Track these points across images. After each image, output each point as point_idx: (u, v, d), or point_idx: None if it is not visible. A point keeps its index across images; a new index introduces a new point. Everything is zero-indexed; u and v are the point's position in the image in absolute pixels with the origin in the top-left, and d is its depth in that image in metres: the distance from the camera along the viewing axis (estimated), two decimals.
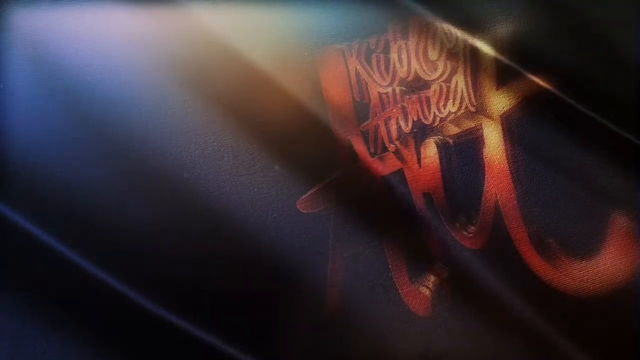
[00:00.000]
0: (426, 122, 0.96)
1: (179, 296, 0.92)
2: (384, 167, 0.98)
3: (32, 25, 0.91)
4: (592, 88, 0.91)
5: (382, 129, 0.97)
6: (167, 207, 0.92)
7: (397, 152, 0.98)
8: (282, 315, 0.94)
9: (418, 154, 0.98)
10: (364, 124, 0.97)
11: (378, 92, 0.95)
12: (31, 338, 0.90)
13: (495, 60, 0.94)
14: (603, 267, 0.92)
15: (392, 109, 0.96)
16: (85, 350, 0.91)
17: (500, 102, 0.95)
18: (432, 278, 0.96)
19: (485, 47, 0.94)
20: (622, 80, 0.91)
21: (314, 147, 0.94)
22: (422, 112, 0.96)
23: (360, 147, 0.96)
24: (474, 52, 0.94)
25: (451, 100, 0.95)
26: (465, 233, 0.97)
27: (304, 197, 0.94)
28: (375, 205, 0.97)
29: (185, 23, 0.92)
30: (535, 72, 0.93)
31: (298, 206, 0.94)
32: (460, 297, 0.96)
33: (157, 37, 0.91)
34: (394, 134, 0.97)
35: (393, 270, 0.95)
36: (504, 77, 0.94)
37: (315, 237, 0.94)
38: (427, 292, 0.96)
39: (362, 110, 0.96)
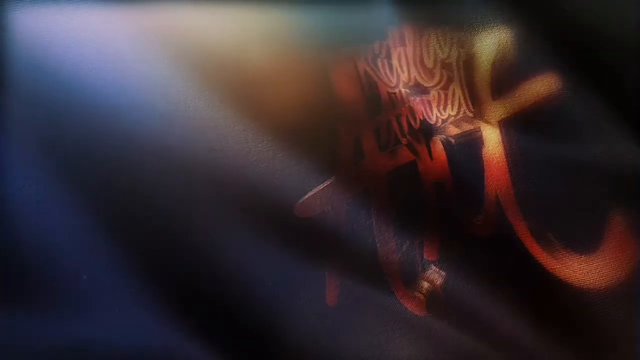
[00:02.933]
0: (431, 122, 1.00)
1: (177, 297, 0.89)
2: (396, 159, 1.00)
3: (33, 25, 0.88)
4: (589, 89, 0.97)
5: (395, 124, 1.00)
6: (167, 207, 0.90)
7: (409, 145, 1.01)
8: (282, 314, 0.93)
9: (428, 147, 1.01)
10: (376, 118, 0.99)
11: (387, 91, 0.98)
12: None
13: (491, 67, 0.99)
14: (602, 262, 0.96)
15: (401, 108, 0.99)
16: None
17: (497, 109, 1.00)
18: (426, 283, 0.98)
19: (479, 56, 0.99)
20: (620, 81, 0.98)
21: (318, 147, 0.95)
22: (426, 112, 1.00)
23: (369, 142, 0.98)
24: (469, 61, 0.99)
25: (450, 106, 1.00)
26: (474, 222, 1.01)
27: (301, 200, 0.94)
28: (379, 202, 0.98)
29: (192, 28, 0.93)
30: (532, 76, 0.99)
31: (295, 211, 0.93)
32: (462, 290, 0.98)
33: (165, 40, 0.91)
34: (406, 128, 1.00)
35: (388, 275, 0.96)
36: (499, 84, 1.00)
37: (314, 239, 0.94)
38: (422, 297, 0.97)
39: (373, 106, 0.98)
